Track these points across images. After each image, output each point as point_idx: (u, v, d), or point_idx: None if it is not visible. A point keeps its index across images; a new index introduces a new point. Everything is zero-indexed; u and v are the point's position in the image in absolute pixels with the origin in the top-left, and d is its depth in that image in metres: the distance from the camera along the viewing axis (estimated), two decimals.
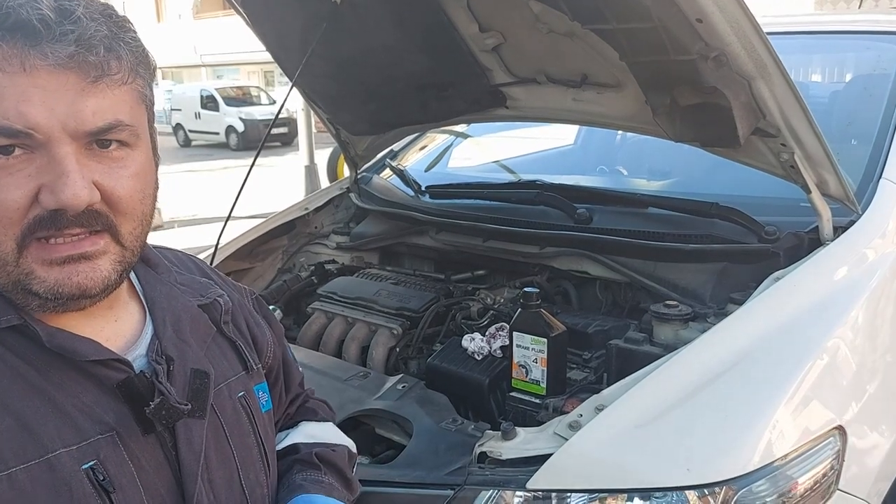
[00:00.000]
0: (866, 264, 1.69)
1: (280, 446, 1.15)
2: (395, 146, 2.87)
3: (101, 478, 0.80)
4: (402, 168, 2.66)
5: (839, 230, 1.73)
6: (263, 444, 1.01)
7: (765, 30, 1.48)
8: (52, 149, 0.76)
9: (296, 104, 10.68)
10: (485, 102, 2.13)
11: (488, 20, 1.89)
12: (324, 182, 9.37)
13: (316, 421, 1.22)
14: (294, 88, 2.27)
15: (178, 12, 30.99)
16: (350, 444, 1.22)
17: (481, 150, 3.19)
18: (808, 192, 1.72)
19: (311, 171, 9.77)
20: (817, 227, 1.74)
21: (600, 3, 1.52)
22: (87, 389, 0.83)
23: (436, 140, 3.09)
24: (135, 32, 0.84)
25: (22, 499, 0.75)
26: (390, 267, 2.37)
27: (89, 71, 0.77)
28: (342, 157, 8.31)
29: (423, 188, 2.46)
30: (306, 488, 1.05)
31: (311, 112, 10.34)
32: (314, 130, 9.96)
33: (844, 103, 2.51)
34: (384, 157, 2.85)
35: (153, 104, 0.90)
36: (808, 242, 1.75)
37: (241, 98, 21.48)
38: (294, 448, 1.14)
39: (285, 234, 2.58)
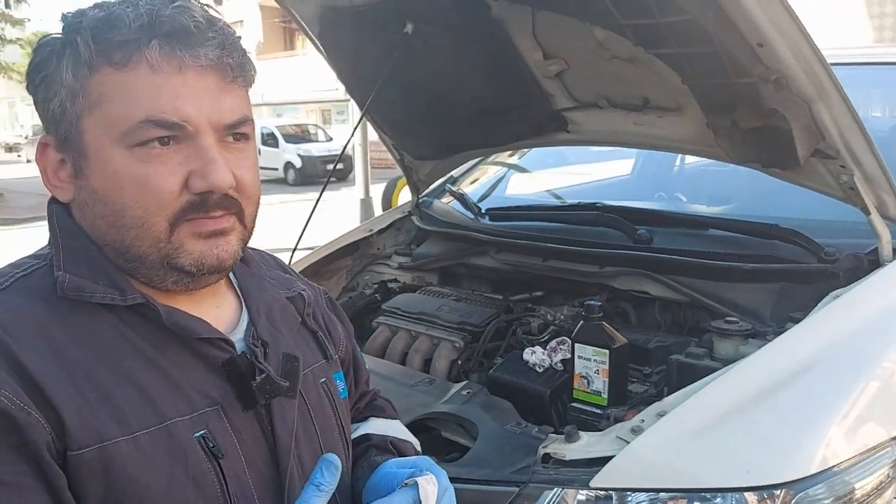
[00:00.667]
0: None
1: (353, 436, 1.21)
2: (455, 172, 2.96)
3: (211, 445, 0.87)
4: (462, 192, 2.74)
5: None
6: (343, 427, 1.09)
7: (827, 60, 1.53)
8: (199, 140, 0.86)
9: (352, 140, 10.95)
10: (546, 127, 2.21)
11: (552, 47, 1.98)
12: (378, 215, 9.52)
13: (384, 418, 1.29)
14: (363, 115, 2.39)
15: None
16: (416, 442, 1.28)
17: (537, 180, 3.27)
18: (868, 213, 1.74)
19: (366, 203, 9.95)
20: (876, 248, 1.76)
21: (663, 28, 1.59)
22: (196, 367, 0.90)
23: (491, 170, 3.18)
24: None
25: (146, 460, 0.82)
26: (449, 287, 2.44)
27: (228, 72, 0.87)
28: (397, 190, 8.42)
29: (482, 211, 2.54)
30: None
31: (368, 147, 10.53)
32: (370, 165, 10.18)
33: None
34: (444, 182, 2.94)
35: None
36: (867, 263, 1.77)
37: (299, 135, 22.02)
38: (367, 437, 1.21)
39: (350, 254, 2.67)
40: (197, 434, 0.87)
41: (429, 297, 2.24)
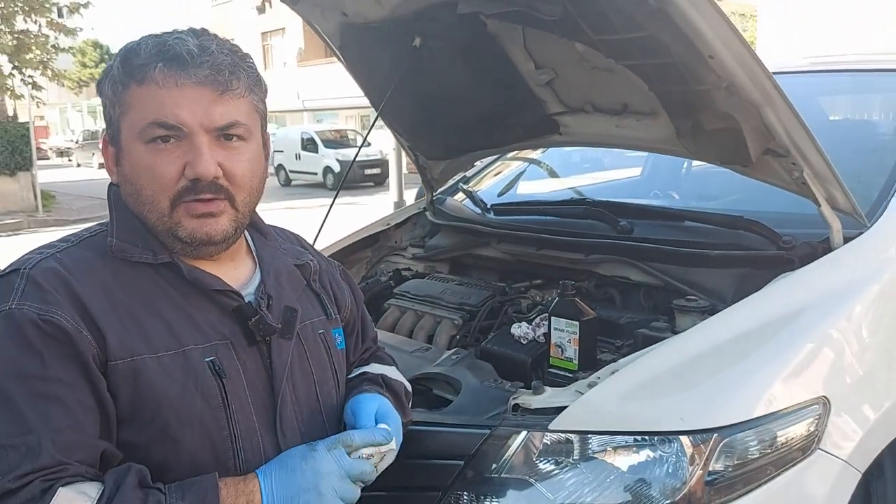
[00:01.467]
0: (870, 267, 1.91)
1: (352, 375, 1.50)
2: (469, 172, 3.22)
3: (218, 368, 1.16)
4: (471, 190, 3.00)
5: (848, 240, 1.96)
6: (336, 371, 1.38)
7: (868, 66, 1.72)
8: (193, 138, 1.14)
9: (388, 146, 11.26)
10: (541, 129, 2.46)
11: (542, 58, 2.23)
12: None
13: (383, 364, 1.57)
14: (378, 119, 2.66)
15: (283, 60, 32.68)
16: (407, 384, 1.56)
17: (549, 181, 3.51)
18: (819, 205, 1.95)
19: (399, 206, 10.25)
20: (828, 237, 1.97)
21: (629, 43, 1.83)
22: (212, 311, 1.20)
23: (504, 172, 3.43)
24: (252, 63, 1.23)
25: (165, 374, 1.12)
26: (455, 275, 2.70)
27: (217, 87, 1.14)
28: None
29: (488, 206, 2.80)
30: (370, 392, 1.40)
31: (402, 152, 10.78)
32: (405, 171, 10.49)
33: None
34: (458, 181, 3.20)
35: (266, 115, 1.29)
36: (821, 251, 1.98)
37: (338, 140, 22.45)
38: (363, 373, 1.50)
39: (369, 246, 2.95)
40: (207, 359, 1.16)
41: (434, 282, 2.50)
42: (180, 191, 1.15)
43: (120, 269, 1.16)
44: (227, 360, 1.18)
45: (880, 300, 1.87)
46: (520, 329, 2.03)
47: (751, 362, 1.61)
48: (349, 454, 1.20)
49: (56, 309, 1.07)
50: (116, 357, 1.09)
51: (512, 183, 3.37)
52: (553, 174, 3.56)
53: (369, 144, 22.59)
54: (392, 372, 1.54)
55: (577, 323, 1.85)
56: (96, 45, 51.81)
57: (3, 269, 1.15)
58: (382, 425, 1.30)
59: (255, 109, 1.23)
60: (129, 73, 1.14)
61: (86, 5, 16.96)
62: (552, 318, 1.90)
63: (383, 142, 23.39)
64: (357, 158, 20.28)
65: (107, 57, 50.76)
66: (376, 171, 20.72)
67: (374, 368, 1.52)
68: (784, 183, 2.01)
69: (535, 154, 3.45)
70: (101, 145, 1.26)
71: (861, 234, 1.97)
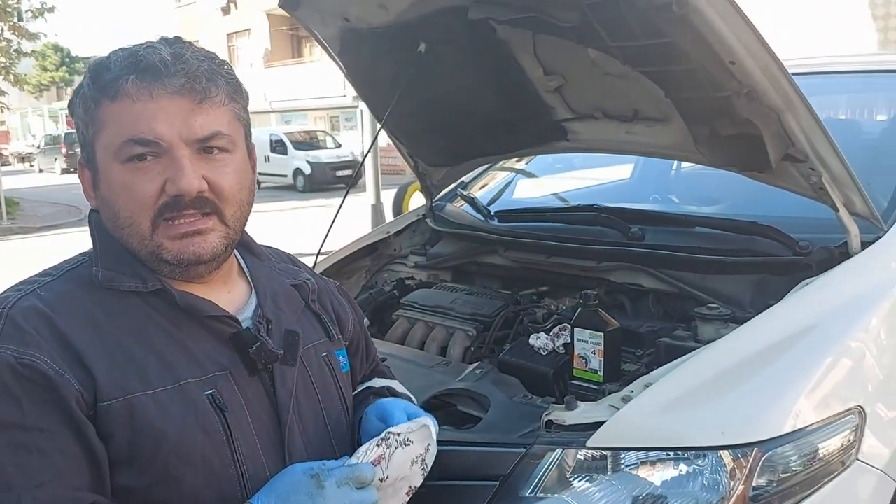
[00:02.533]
0: (889, 272, 1.91)
1: (357, 390, 1.44)
2: (466, 178, 3.18)
3: (218, 401, 1.09)
4: (472, 196, 2.96)
5: (866, 245, 1.95)
6: (343, 394, 1.31)
7: (832, 69, 1.73)
8: (173, 153, 1.07)
9: (362, 147, 11.20)
10: (548, 136, 2.43)
11: (552, 65, 2.20)
12: (389, 220, 9.74)
13: (385, 378, 1.53)
14: (374, 124, 2.61)
15: (249, 61, 32.37)
16: (412, 397, 1.50)
17: (542, 184, 3.49)
18: (837, 210, 1.94)
19: (377, 209, 10.18)
20: (846, 242, 1.97)
21: (647, 49, 1.81)
22: (208, 339, 1.13)
23: (499, 176, 3.40)
24: (231, 69, 1.16)
25: (163, 411, 1.05)
26: (461, 284, 2.66)
27: (195, 95, 1.08)
28: (407, 195, 8.64)
29: (492, 213, 2.76)
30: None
31: (378, 153, 10.74)
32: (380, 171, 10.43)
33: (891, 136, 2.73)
34: (456, 187, 3.15)
35: (249, 123, 1.22)
36: (838, 255, 1.97)
37: (308, 142, 22.31)
38: (368, 388, 1.45)
39: (369, 255, 2.89)
40: (207, 392, 1.09)
41: (443, 291, 2.45)
42: (160, 208, 1.08)
43: (107, 301, 1.09)
44: (228, 392, 1.11)
45: None
46: (539, 340, 1.99)
47: (786, 373, 1.59)
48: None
49: (35, 351, 1.00)
50: (108, 397, 1.02)
51: (507, 188, 3.33)
52: (544, 178, 3.54)
53: (340, 146, 22.55)
54: (396, 385, 1.50)
55: (601, 334, 1.82)
56: (57, 48, 50.88)
57: None
58: (422, 421, 1.22)
59: (238, 118, 1.16)
60: (100, 89, 1.08)
61: (51, 10, 16.65)
62: (575, 330, 1.87)
63: (354, 143, 23.35)
64: (328, 160, 20.27)
65: (68, 60, 49.97)
66: (348, 172, 20.62)
67: (378, 383, 1.47)
68: (801, 188, 2.00)
69: (521, 164, 3.42)
70: (78, 170, 1.18)
71: (879, 238, 1.97)
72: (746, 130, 1.86)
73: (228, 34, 34.46)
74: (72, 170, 31.12)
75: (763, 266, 2.05)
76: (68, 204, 17.51)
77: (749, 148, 1.89)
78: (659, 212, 2.51)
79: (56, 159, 31.90)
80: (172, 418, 1.04)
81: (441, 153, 2.72)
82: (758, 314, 1.94)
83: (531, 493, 1.52)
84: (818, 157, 1.87)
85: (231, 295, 1.22)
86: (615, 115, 2.23)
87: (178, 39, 1.12)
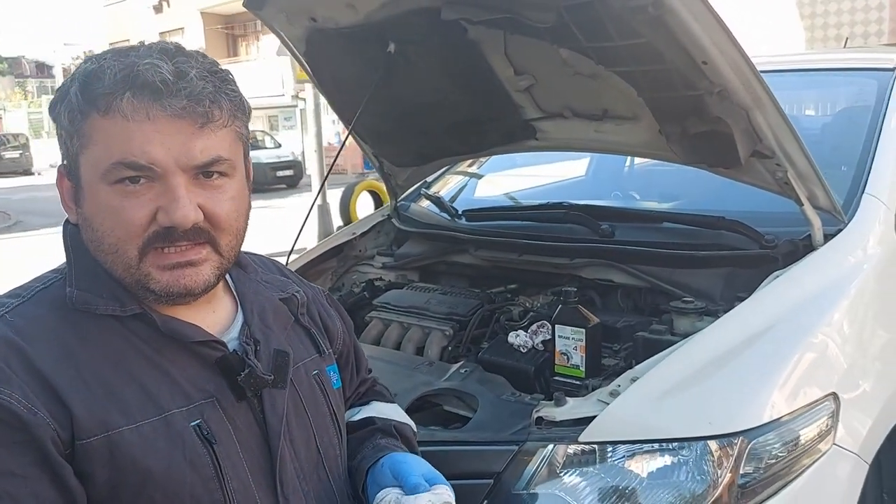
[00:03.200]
0: (852, 263, 1.98)
1: (356, 418, 1.38)
2: (429, 178, 3.18)
3: (206, 432, 1.01)
4: (438, 196, 2.97)
5: (829, 237, 2.03)
6: (335, 414, 1.24)
7: (764, 68, 1.80)
8: (168, 179, 0.98)
9: (308, 147, 11.09)
10: (517, 135, 2.45)
11: (522, 65, 2.22)
12: (336, 221, 9.68)
13: (384, 402, 1.46)
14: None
15: None
16: (413, 424, 1.45)
17: (501, 183, 3.51)
18: (801, 204, 2.01)
19: (323, 210, 10.10)
20: (809, 234, 2.04)
21: (622, 50, 1.84)
22: (192, 365, 1.05)
23: (460, 175, 3.42)
24: (234, 84, 1.06)
25: (148, 446, 0.97)
26: (433, 284, 2.66)
27: (197, 119, 0.99)
28: (354, 196, 8.58)
29: (459, 212, 2.77)
30: (394, 449, 1.28)
31: (323, 153, 10.63)
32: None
33: (834, 132, 2.83)
34: (419, 187, 3.15)
35: (248, 140, 1.14)
36: (802, 248, 2.04)
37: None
38: (370, 420, 1.37)
39: (334, 256, 2.87)
40: (193, 423, 1.01)
41: (416, 292, 2.45)
42: (150, 237, 0.99)
43: (82, 325, 1.01)
44: (216, 421, 1.03)
45: (867, 294, 1.95)
46: (518, 338, 2.01)
47: (766, 363, 1.64)
48: None
49: (3, 387, 0.91)
50: (87, 434, 0.94)
51: (467, 187, 3.35)
52: (504, 177, 3.57)
53: (279, 146, 22.28)
54: (397, 412, 1.44)
55: (583, 330, 1.85)
56: None
57: None
58: (440, 488, 1.15)
59: (239, 138, 1.07)
60: (90, 101, 0.98)
61: None
62: (556, 326, 1.89)
63: (294, 143, 23.11)
64: (268, 160, 20.02)
65: None
66: (289, 172, 20.41)
67: (378, 410, 1.41)
68: (766, 184, 2.06)
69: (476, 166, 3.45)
70: (56, 178, 1.08)
71: (840, 230, 2.04)
72: (716, 128, 1.91)
73: (161, 33, 33.63)
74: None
75: (732, 260, 2.11)
76: None
77: (719, 145, 1.94)
78: (627, 208, 2.56)
79: None
80: (158, 454, 0.97)
81: (408, 153, 2.72)
82: (729, 306, 2.00)
83: (524, 489, 1.54)
84: (784, 154, 1.94)
85: (216, 314, 1.14)
86: (584, 114, 2.26)
87: (178, 50, 1.02)
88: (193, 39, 31.69)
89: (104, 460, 0.94)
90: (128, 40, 36.63)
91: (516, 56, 2.20)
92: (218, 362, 1.06)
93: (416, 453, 1.35)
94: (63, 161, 1.05)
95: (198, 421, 1.01)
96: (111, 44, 35.82)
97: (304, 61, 2.49)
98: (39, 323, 1.00)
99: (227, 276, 1.19)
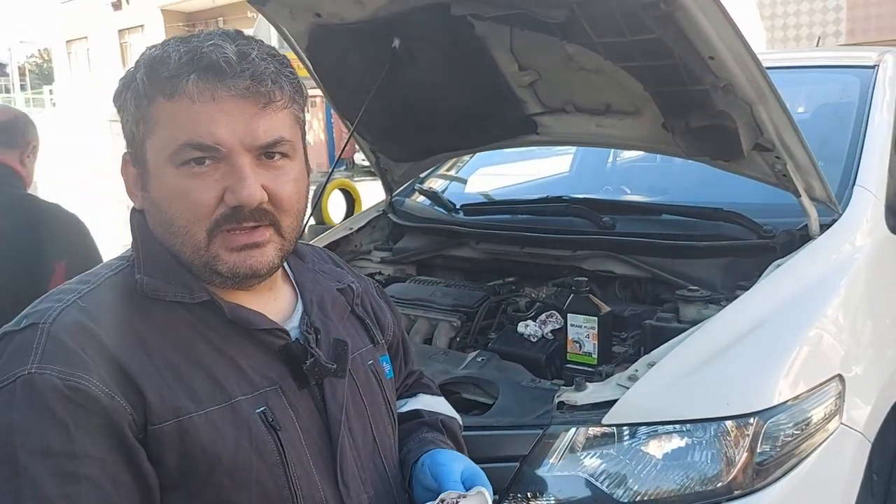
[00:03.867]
0: (849, 251, 2.07)
1: (403, 410, 1.39)
2: (422, 174, 3.21)
3: (271, 419, 1.02)
4: (434, 191, 3.00)
5: (824, 227, 2.10)
6: (390, 404, 1.25)
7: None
8: (233, 160, 0.99)
9: None
10: (519, 129, 2.50)
11: (527, 60, 2.26)
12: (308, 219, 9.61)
13: (431, 394, 1.48)
14: (353, 128, 2.60)
15: None
16: (459, 418, 1.47)
17: (492, 180, 3.56)
18: (798, 196, 2.09)
19: None
20: (806, 225, 2.11)
21: (631, 45, 1.89)
22: (257, 352, 1.06)
23: (453, 171, 3.45)
24: (292, 68, 1.07)
25: (216, 432, 0.98)
26: (435, 277, 2.69)
27: (260, 99, 1.00)
28: (326, 195, 8.47)
29: (457, 207, 2.81)
30: (438, 445, 1.27)
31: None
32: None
33: (819, 127, 2.93)
34: (412, 183, 3.18)
35: (305, 124, 1.15)
36: (799, 238, 2.11)
37: None
38: (417, 413, 1.39)
39: (331, 251, 2.89)
40: (258, 410, 1.02)
41: (419, 285, 2.48)
42: (219, 219, 1.00)
43: (151, 311, 1.02)
44: (280, 408, 1.04)
45: (863, 280, 2.03)
46: (528, 328, 2.05)
47: (775, 347, 1.71)
48: None
49: (82, 372, 0.92)
50: (160, 419, 0.95)
51: (458, 183, 3.39)
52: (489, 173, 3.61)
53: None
54: (444, 406, 1.46)
55: (595, 318, 1.89)
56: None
57: (16, 321, 0.98)
58: (478, 489, 1.13)
59: (297, 121, 1.09)
60: (156, 85, 0.99)
61: None
62: (569, 315, 1.93)
63: None
64: None
65: None
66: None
67: (425, 403, 1.42)
68: (765, 176, 2.13)
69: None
70: (121, 166, 1.09)
71: (835, 220, 2.13)
72: (720, 122, 1.97)
73: (120, 30, 33.15)
74: None
75: (732, 249, 2.18)
76: None
77: (721, 138, 2.00)
78: (626, 201, 2.63)
79: None
80: (226, 440, 0.98)
81: (407, 149, 2.74)
82: (730, 294, 2.07)
83: (548, 471, 1.58)
84: (784, 147, 2.01)
85: (277, 303, 1.15)
86: (587, 109, 2.31)
87: (239, 34, 1.04)
88: (153, 37, 31.24)
89: (175, 445, 0.96)
90: (86, 38, 36.00)
91: (521, 52, 2.24)
92: (281, 350, 1.07)
93: (462, 447, 1.37)
94: (128, 149, 1.06)
95: (263, 408, 1.02)
96: (68, 42, 34.76)
97: (304, 57, 2.51)
98: (111, 309, 1.00)
99: (287, 266, 1.21)
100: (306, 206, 1.12)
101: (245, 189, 0.99)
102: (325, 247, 2.82)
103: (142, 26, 32.11)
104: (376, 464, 1.17)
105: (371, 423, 1.18)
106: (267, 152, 1.03)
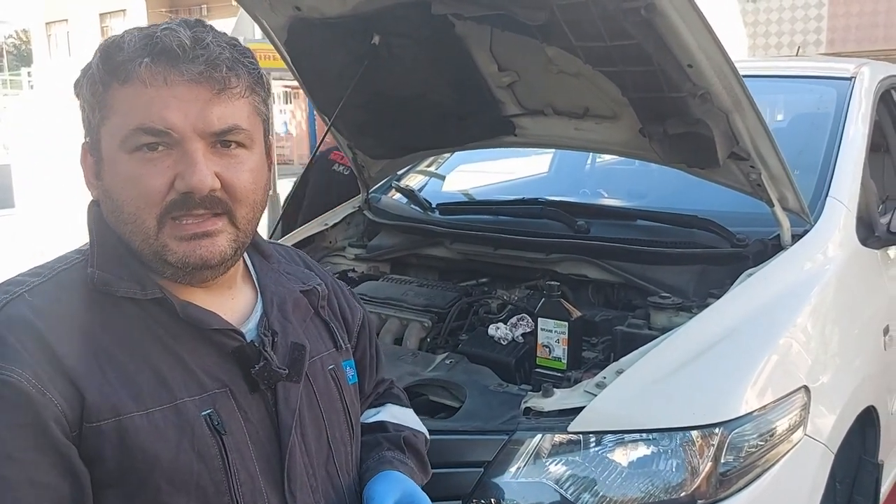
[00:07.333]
0: (819, 262, 2.08)
1: (369, 420, 1.37)
2: (399, 171, 3.19)
3: (216, 422, 1.00)
4: (411, 189, 2.98)
5: (796, 237, 2.11)
6: (349, 411, 1.22)
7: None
8: (185, 145, 0.97)
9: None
10: (496, 130, 2.48)
11: (506, 61, 2.25)
12: (281, 217, 9.55)
13: (400, 406, 1.45)
14: (331, 123, 2.58)
15: None
16: (426, 432, 1.44)
17: (471, 178, 3.55)
18: (772, 205, 2.09)
19: (273, 200, 9.99)
20: (779, 235, 2.12)
21: (611, 50, 1.88)
22: (209, 353, 1.03)
23: (429, 170, 3.44)
24: (254, 59, 1.05)
25: (157, 433, 0.96)
26: (408, 276, 2.68)
27: (214, 85, 0.98)
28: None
29: (433, 206, 2.79)
30: (395, 466, 1.24)
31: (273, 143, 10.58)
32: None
33: (795, 137, 2.94)
34: (389, 180, 3.16)
35: (268, 119, 1.13)
36: (771, 247, 2.12)
37: None
38: (382, 425, 1.36)
39: (306, 247, 2.86)
40: (204, 412, 0.99)
41: (392, 283, 2.46)
42: (168, 206, 0.98)
43: (101, 307, 1.00)
44: (227, 411, 1.02)
45: (831, 291, 2.04)
46: (498, 331, 2.05)
47: (743, 357, 1.72)
48: None
49: (15, 366, 0.90)
50: (98, 418, 0.93)
51: (435, 181, 3.38)
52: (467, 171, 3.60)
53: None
54: (411, 418, 1.43)
55: (566, 323, 1.89)
56: None
57: None
58: None
59: (257, 112, 1.06)
60: (110, 70, 0.98)
61: None
62: (539, 319, 1.93)
63: None
64: None
65: None
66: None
67: (392, 415, 1.40)
68: (740, 185, 2.14)
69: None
70: (80, 156, 1.07)
71: (807, 231, 2.14)
72: (697, 130, 1.97)
73: (101, 14, 32.75)
74: None
75: (705, 257, 2.18)
76: None
77: (698, 146, 2.01)
78: (601, 205, 2.63)
79: None
80: (167, 442, 0.96)
81: (384, 146, 2.72)
82: (701, 302, 2.07)
83: (512, 477, 1.58)
84: (759, 157, 2.01)
85: (235, 302, 1.13)
86: (565, 112, 2.31)
87: (199, 22, 1.02)
88: (135, 22, 30.84)
89: (113, 444, 0.94)
90: (66, 20, 35.55)
91: (501, 53, 2.23)
92: (234, 352, 1.05)
93: (425, 464, 1.36)
94: (86, 138, 1.04)
95: (209, 411, 1.00)
96: (47, 23, 34.16)
97: (284, 51, 2.48)
98: (59, 304, 0.98)
99: (250, 266, 1.19)
100: (264, 200, 1.09)
101: (195, 174, 0.97)
102: (299, 241, 2.82)
103: (123, 11, 31.72)
104: (329, 472, 1.15)
105: (327, 429, 1.16)
106: (223, 140, 1.01)
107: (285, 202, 4.61)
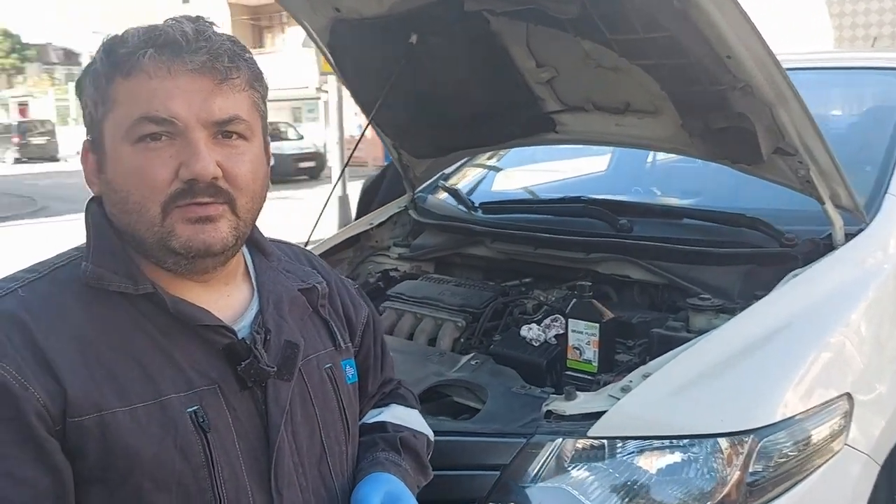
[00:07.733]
0: (873, 264, 1.96)
1: (371, 420, 1.36)
2: (447, 170, 3.17)
3: (202, 420, 1.00)
4: (455, 188, 2.96)
5: (850, 237, 2.00)
6: (345, 411, 1.20)
7: (788, 65, 1.77)
8: (188, 134, 0.99)
9: (331, 139, 11.13)
10: (537, 128, 2.44)
11: (544, 57, 2.20)
12: (356, 212, 9.68)
13: (405, 406, 1.43)
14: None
15: None
16: (430, 433, 1.41)
17: (519, 177, 3.50)
18: (823, 203, 1.98)
19: (343, 201, 10.13)
20: (830, 234, 2.01)
21: (646, 43, 1.82)
22: (200, 350, 1.04)
23: (478, 168, 3.41)
24: (252, 57, 1.08)
25: (139, 429, 0.96)
26: (447, 275, 2.66)
27: (216, 75, 1.01)
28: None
29: (476, 205, 2.76)
30: (387, 467, 1.22)
31: (344, 145, 10.67)
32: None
33: (859, 131, 2.80)
34: (436, 179, 3.15)
35: (266, 116, 1.13)
36: (822, 247, 2.01)
37: (270, 133, 21.87)
38: (382, 426, 1.34)
39: (351, 246, 2.87)
40: (190, 409, 1.00)
41: (430, 283, 2.45)
42: (173, 194, 1.00)
43: (92, 303, 1.01)
44: (214, 408, 1.02)
45: (886, 295, 1.92)
46: (531, 331, 2.00)
47: (779, 363, 1.62)
48: None
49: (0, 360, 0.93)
50: (79, 413, 0.94)
51: (486, 180, 3.34)
52: (522, 171, 3.56)
53: (302, 137, 22.37)
54: (415, 419, 1.41)
55: (597, 325, 1.84)
56: (7, 34, 49.67)
57: None
58: None
59: (256, 108, 1.08)
60: (114, 64, 1.00)
61: None
62: (570, 321, 1.88)
63: (316, 135, 23.19)
64: (291, 152, 20.12)
65: (18, 46, 48.84)
66: (311, 164, 20.52)
67: (395, 415, 1.38)
68: (788, 181, 2.04)
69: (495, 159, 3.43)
70: (81, 154, 1.09)
71: (862, 230, 2.02)
72: (739, 124, 1.89)
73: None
74: (24, 160, 30.42)
75: (751, 257, 2.08)
76: (22, 195, 17.11)
77: (741, 141, 1.92)
78: (645, 203, 2.55)
79: (7, 149, 31.09)
80: (149, 438, 0.97)
81: (427, 145, 2.71)
82: (746, 304, 1.98)
83: (531, 482, 1.53)
84: (807, 151, 1.91)
85: (230, 299, 1.13)
86: (606, 108, 2.25)
87: (199, 18, 1.04)
88: (220, 30, 31.78)
89: (96, 440, 0.95)
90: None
91: (538, 48, 2.18)
92: (224, 349, 1.05)
93: (424, 465, 1.34)
94: (87, 136, 1.06)
95: (195, 407, 1.00)
96: None
97: (327, 52, 2.50)
98: (51, 301, 1.00)
99: (250, 265, 1.19)
100: (264, 192, 1.11)
101: (199, 162, 0.99)
102: (344, 241, 2.83)
103: (210, 19, 32.72)
104: (322, 472, 1.14)
105: (321, 429, 1.15)
106: (224, 131, 1.03)
107: (360, 194, 4.70)
